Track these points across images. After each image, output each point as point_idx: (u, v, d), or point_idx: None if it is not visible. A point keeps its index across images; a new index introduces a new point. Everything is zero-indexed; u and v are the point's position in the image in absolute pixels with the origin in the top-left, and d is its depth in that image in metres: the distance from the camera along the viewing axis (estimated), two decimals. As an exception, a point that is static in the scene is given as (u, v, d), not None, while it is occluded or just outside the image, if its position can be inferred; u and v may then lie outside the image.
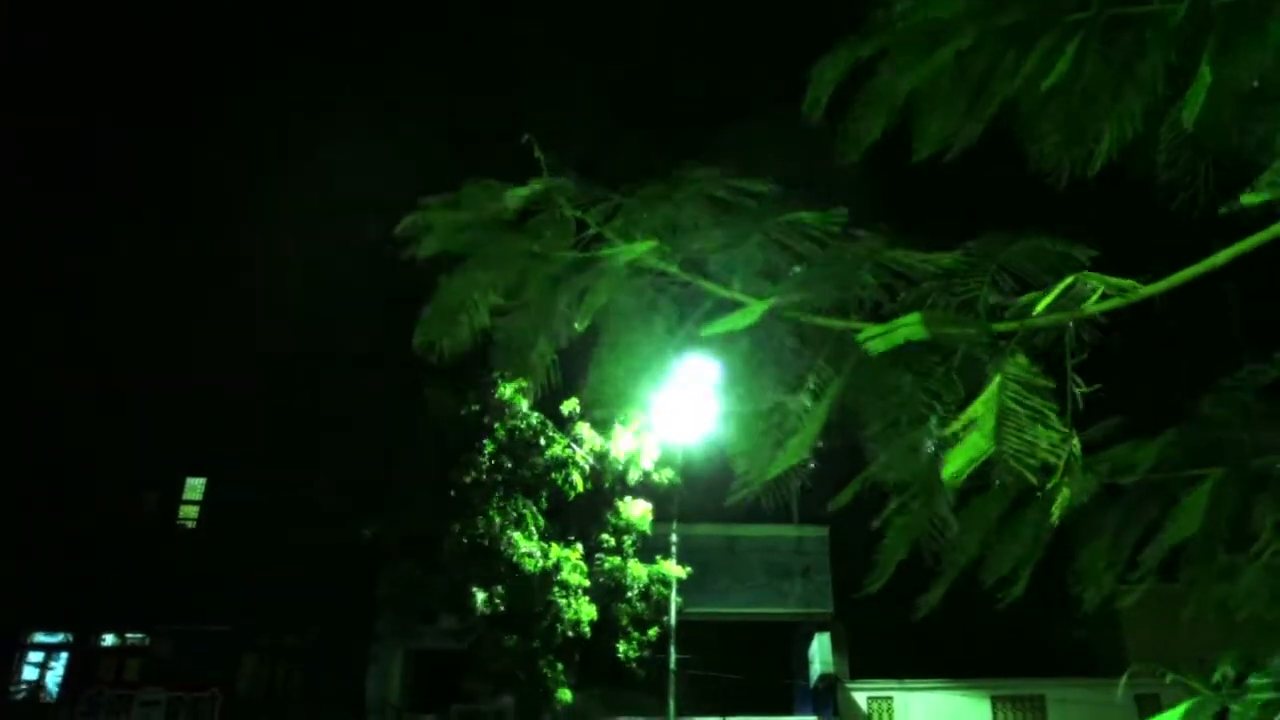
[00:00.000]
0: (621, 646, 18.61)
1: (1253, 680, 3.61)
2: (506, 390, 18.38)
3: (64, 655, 24.00)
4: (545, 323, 2.55)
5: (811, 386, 2.42)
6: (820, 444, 2.46)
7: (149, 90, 26.12)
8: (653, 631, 18.94)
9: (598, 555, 19.22)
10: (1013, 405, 2.22)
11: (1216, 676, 3.66)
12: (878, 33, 2.31)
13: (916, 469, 2.53)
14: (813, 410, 2.38)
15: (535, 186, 2.45)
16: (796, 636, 23.90)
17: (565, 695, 18.10)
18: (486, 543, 17.66)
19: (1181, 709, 3.16)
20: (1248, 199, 2.30)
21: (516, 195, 2.44)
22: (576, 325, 2.55)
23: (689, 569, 19.63)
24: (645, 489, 19.74)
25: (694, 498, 21.20)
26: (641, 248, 2.33)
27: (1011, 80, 2.27)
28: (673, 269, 2.45)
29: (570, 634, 17.99)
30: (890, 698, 22.24)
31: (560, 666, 18.12)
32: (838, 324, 2.38)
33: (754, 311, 2.22)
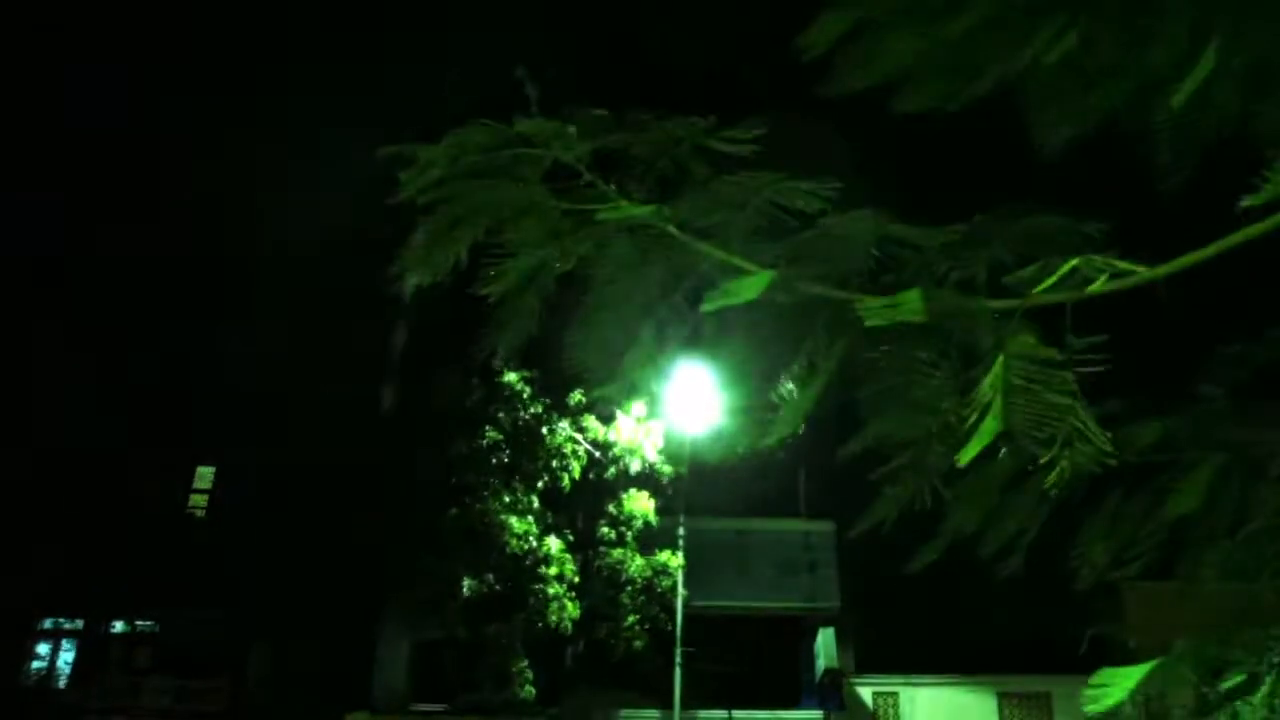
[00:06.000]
0: (620, 634, 18.58)
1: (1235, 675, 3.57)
2: (514, 379, 18.40)
3: (74, 642, 24.18)
4: (533, 274, 2.55)
5: (808, 355, 2.42)
6: (820, 413, 2.46)
7: (146, 82, 26.07)
8: (631, 619, 18.74)
9: (601, 547, 19.20)
10: (1020, 382, 2.22)
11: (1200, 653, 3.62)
12: None
13: (911, 433, 2.53)
14: (809, 380, 2.38)
15: (543, 124, 2.43)
16: (802, 631, 23.89)
17: (529, 691, 18.06)
18: (480, 527, 17.68)
19: (1145, 667, 3.12)
20: (1253, 200, 2.27)
21: (523, 126, 2.44)
22: (561, 266, 2.55)
23: (684, 563, 19.54)
24: (651, 481, 19.69)
25: (701, 492, 21.14)
26: (642, 210, 2.32)
27: (1020, 53, 2.25)
28: (671, 229, 2.44)
29: (554, 626, 17.94)
30: (896, 693, 22.21)
31: (525, 663, 18.10)
32: (838, 295, 2.37)
33: (759, 282, 2.20)
